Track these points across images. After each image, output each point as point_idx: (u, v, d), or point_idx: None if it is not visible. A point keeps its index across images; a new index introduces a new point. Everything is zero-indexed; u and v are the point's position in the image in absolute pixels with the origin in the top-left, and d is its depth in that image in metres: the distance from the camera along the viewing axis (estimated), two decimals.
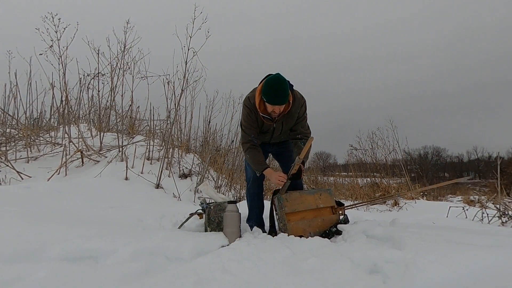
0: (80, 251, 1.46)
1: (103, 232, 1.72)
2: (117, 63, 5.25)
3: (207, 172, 5.26)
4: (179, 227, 2.31)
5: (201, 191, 4.34)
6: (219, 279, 1.31)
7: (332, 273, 1.35)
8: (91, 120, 5.97)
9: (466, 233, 1.87)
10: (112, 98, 5.36)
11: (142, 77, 5.13)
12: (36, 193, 2.80)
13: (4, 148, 4.60)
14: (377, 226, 1.96)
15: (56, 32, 4.74)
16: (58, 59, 4.87)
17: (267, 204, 2.54)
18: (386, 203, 6.23)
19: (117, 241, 1.56)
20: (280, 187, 2.19)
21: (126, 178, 3.98)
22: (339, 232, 2.10)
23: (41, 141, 5.07)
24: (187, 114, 5.92)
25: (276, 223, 2.23)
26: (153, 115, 5.48)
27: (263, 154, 2.31)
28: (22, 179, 4.02)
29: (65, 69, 4.98)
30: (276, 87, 1.97)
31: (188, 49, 4.32)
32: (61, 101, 5.34)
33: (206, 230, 2.15)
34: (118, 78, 5.27)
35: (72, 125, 5.17)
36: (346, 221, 2.25)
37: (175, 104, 4.84)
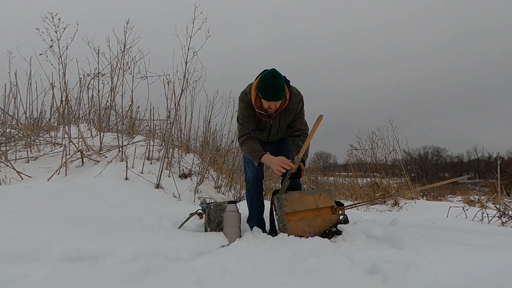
0: (80, 251, 1.45)
1: (103, 232, 1.72)
2: (117, 63, 5.26)
3: (207, 172, 5.26)
4: (179, 227, 2.31)
5: (201, 191, 4.34)
6: (219, 279, 1.31)
7: (332, 273, 1.35)
8: (91, 120, 5.97)
9: (466, 233, 1.87)
10: (112, 98, 5.36)
11: (142, 77, 5.14)
12: (36, 193, 2.80)
13: (4, 148, 4.60)
14: (377, 226, 1.96)
15: (56, 32, 4.74)
16: (58, 59, 4.87)
17: (267, 204, 2.54)
18: (386, 203, 6.23)
19: (117, 241, 1.56)
20: (280, 187, 2.19)
21: (126, 178, 3.98)
22: (339, 232, 2.10)
23: (41, 141, 5.07)
24: (187, 114, 5.93)
25: (276, 223, 2.23)
26: (153, 115, 5.48)
27: (259, 144, 2.24)
28: (22, 179, 4.02)
29: (65, 69, 4.98)
30: (271, 83, 1.92)
31: (188, 49, 4.32)
32: (61, 101, 5.35)
33: (206, 230, 2.15)
34: (118, 78, 5.27)
35: (72, 125, 5.17)
36: (346, 221, 2.25)
37: (175, 104, 4.85)
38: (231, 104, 6.44)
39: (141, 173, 4.25)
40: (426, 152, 47.10)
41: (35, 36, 4.65)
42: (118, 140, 4.71)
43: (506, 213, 3.54)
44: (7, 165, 4.11)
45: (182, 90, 4.71)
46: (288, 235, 1.99)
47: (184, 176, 4.78)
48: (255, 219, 2.47)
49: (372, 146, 8.40)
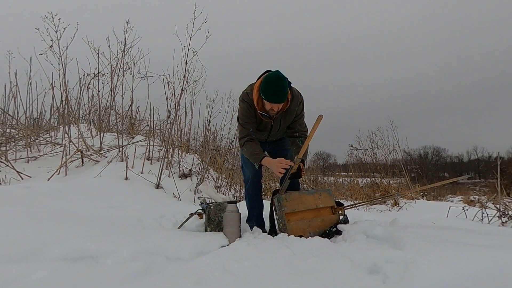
0: (80, 251, 1.45)
1: (103, 232, 1.72)
2: (117, 63, 5.25)
3: (207, 172, 5.26)
4: (179, 227, 2.31)
5: (201, 191, 4.34)
6: (219, 279, 1.31)
7: (332, 273, 1.35)
8: (91, 120, 5.97)
9: (466, 233, 1.87)
10: (112, 98, 5.36)
11: (142, 77, 5.14)
12: (36, 193, 2.80)
13: (4, 148, 4.60)
14: (377, 226, 1.96)
15: (56, 32, 4.74)
16: (58, 59, 4.87)
17: (266, 203, 2.54)
18: (386, 203, 6.23)
19: (117, 241, 1.56)
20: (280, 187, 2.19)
21: (126, 178, 3.98)
22: (339, 232, 2.10)
23: (41, 141, 5.07)
24: (187, 114, 5.93)
25: (276, 223, 2.23)
26: (153, 115, 5.48)
27: (260, 146, 2.25)
28: (22, 179, 4.02)
29: (65, 69, 4.98)
30: (275, 85, 1.92)
31: (188, 49, 4.32)
32: (61, 101, 5.34)
33: (206, 230, 2.15)
34: (118, 78, 5.27)
35: (72, 125, 5.17)
36: (346, 221, 2.25)
37: (175, 104, 4.85)
38: (231, 104, 6.44)
39: (141, 173, 4.25)
40: (426, 152, 47.12)
41: (35, 36, 4.66)
42: (118, 140, 4.71)
43: (506, 213, 3.54)
44: (7, 165, 4.11)
45: (182, 90, 4.71)
46: (288, 235, 1.99)
47: (184, 176, 4.78)
48: (255, 219, 2.47)
49: (372, 146, 8.41)
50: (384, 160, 8.28)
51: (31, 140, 4.96)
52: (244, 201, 2.67)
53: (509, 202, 3.93)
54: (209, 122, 6.20)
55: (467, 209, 4.26)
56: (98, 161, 4.53)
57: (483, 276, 1.20)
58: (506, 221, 3.47)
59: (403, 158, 8.35)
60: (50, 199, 2.76)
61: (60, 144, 4.96)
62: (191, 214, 2.41)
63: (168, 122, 5.02)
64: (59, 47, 4.80)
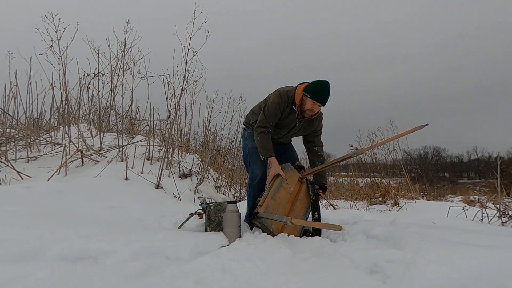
0: (80, 251, 1.46)
1: (103, 232, 1.72)
2: (117, 63, 5.25)
3: (207, 172, 5.26)
4: (179, 227, 2.30)
5: (201, 191, 4.34)
6: (219, 279, 1.31)
7: (332, 273, 1.35)
8: (91, 120, 5.97)
9: (466, 233, 1.87)
10: (112, 98, 5.36)
11: (142, 77, 5.14)
12: (36, 193, 2.80)
13: (4, 148, 4.60)
14: (377, 226, 1.96)
15: (56, 32, 4.74)
16: (58, 59, 4.87)
17: None
18: (386, 203, 6.23)
19: (117, 241, 1.56)
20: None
21: (126, 178, 3.98)
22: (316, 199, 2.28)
23: (41, 141, 5.07)
24: (187, 114, 5.93)
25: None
26: (153, 115, 5.48)
27: (271, 143, 2.41)
28: (22, 179, 4.02)
29: (65, 69, 4.98)
30: (324, 87, 2.19)
31: (188, 49, 4.32)
32: (61, 101, 5.35)
33: (206, 230, 2.15)
34: (118, 78, 5.27)
35: (72, 125, 5.17)
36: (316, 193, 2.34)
37: (175, 104, 4.85)
38: (231, 104, 6.45)
39: (141, 173, 4.25)
40: (426, 152, 47.14)
41: (35, 36, 4.66)
42: (118, 140, 4.71)
43: (506, 213, 3.54)
44: (7, 165, 4.11)
45: (182, 90, 4.71)
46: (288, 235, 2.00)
47: (184, 176, 4.78)
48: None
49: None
50: (384, 160, 8.28)
51: (31, 140, 4.96)
52: (244, 201, 2.67)
53: (509, 202, 3.93)
54: (209, 122, 6.20)
55: (467, 209, 4.26)
56: (98, 161, 4.53)
57: (483, 276, 1.20)
58: (506, 221, 3.47)
59: (403, 158, 8.35)
60: (50, 199, 2.76)
61: (60, 144, 4.96)
62: (191, 214, 2.41)
63: (168, 122, 5.03)
64: (59, 47, 4.80)
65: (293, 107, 2.28)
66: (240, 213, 2.03)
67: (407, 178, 7.54)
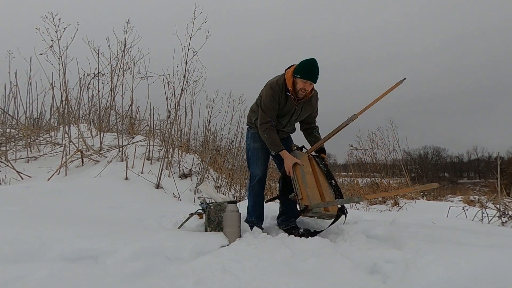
0: (80, 251, 1.46)
1: (103, 232, 1.72)
2: (117, 63, 5.26)
3: (207, 172, 5.26)
4: (179, 227, 2.30)
5: (201, 191, 4.34)
6: (219, 279, 1.31)
7: (332, 273, 1.35)
8: (91, 120, 5.98)
9: (466, 233, 1.87)
10: (112, 98, 5.36)
11: (142, 77, 5.14)
12: (36, 193, 2.80)
13: (4, 148, 4.60)
14: (377, 226, 1.96)
15: (56, 32, 4.75)
16: (58, 59, 4.88)
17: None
18: (386, 203, 6.23)
19: (117, 241, 1.56)
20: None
21: (126, 178, 3.98)
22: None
23: (41, 141, 5.07)
24: (187, 114, 5.93)
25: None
26: (153, 115, 5.49)
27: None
28: (22, 179, 4.02)
29: (65, 69, 4.98)
30: (312, 64, 2.21)
31: (188, 49, 4.32)
32: (61, 101, 5.35)
33: (206, 230, 2.15)
34: (118, 78, 5.28)
35: (72, 125, 5.17)
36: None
37: (175, 104, 4.85)
38: (231, 104, 6.45)
39: (141, 173, 4.25)
40: (426, 152, 47.13)
41: (35, 36, 4.66)
42: (118, 140, 4.71)
43: (506, 213, 3.54)
44: (7, 165, 4.11)
45: (182, 90, 4.72)
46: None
47: (184, 176, 4.78)
48: (256, 215, 2.50)
49: (372, 146, 8.39)
50: (384, 160, 8.27)
51: (31, 140, 4.96)
52: (244, 201, 2.68)
53: (509, 202, 3.93)
54: (209, 122, 6.21)
55: (467, 209, 4.26)
56: (98, 161, 4.53)
57: (483, 276, 1.20)
58: (506, 221, 3.47)
59: (403, 158, 8.35)
60: (50, 199, 2.76)
61: (60, 144, 4.96)
62: (191, 214, 2.41)
63: (168, 122, 5.03)
64: (59, 47, 4.81)
65: (287, 93, 2.29)
66: (240, 213, 2.03)
67: (407, 178, 7.54)
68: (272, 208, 2.73)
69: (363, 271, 1.38)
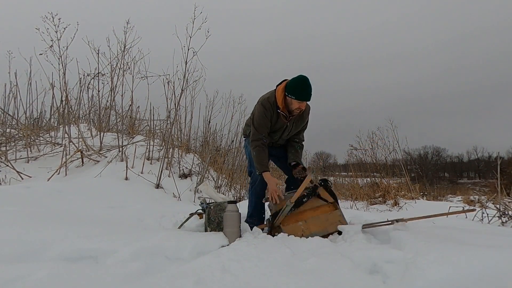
0: (80, 251, 1.45)
1: (103, 232, 1.72)
2: (117, 63, 5.26)
3: (207, 172, 5.26)
4: (179, 227, 2.30)
5: (201, 191, 4.34)
6: (219, 279, 1.31)
7: (332, 273, 1.35)
8: (91, 120, 5.98)
9: (466, 233, 1.87)
10: (112, 98, 5.36)
11: (142, 77, 5.14)
12: (36, 193, 2.80)
13: (4, 148, 4.60)
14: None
15: (56, 32, 4.75)
16: (58, 59, 4.87)
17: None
18: (386, 203, 6.23)
19: (117, 241, 1.56)
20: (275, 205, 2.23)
21: (126, 178, 3.98)
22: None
23: (41, 141, 5.07)
24: (187, 114, 5.94)
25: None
26: (153, 115, 5.49)
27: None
28: (22, 179, 4.02)
29: (65, 69, 4.98)
30: (305, 84, 2.19)
31: (188, 49, 4.32)
32: (61, 101, 5.35)
33: (206, 230, 2.15)
34: (118, 78, 5.28)
35: (72, 125, 5.17)
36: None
37: (175, 104, 4.85)
38: (231, 104, 6.46)
39: (141, 173, 4.25)
40: (426, 152, 47.17)
41: (35, 36, 4.66)
42: (118, 140, 4.71)
43: (506, 213, 3.53)
44: (7, 165, 4.11)
45: (182, 90, 4.72)
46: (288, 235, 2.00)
47: (184, 176, 4.78)
48: (257, 216, 2.51)
49: (372, 146, 8.37)
50: (384, 160, 8.26)
51: (31, 140, 4.96)
52: (244, 201, 2.68)
53: (509, 202, 3.93)
54: (209, 122, 6.21)
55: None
56: (98, 161, 4.53)
57: (483, 276, 1.20)
58: (506, 221, 3.47)
59: (403, 158, 8.34)
60: (50, 199, 2.76)
61: (60, 144, 4.96)
62: (191, 214, 2.41)
63: (168, 122, 5.03)
64: (59, 47, 4.81)
65: (278, 111, 2.29)
66: (240, 213, 2.03)
67: (407, 178, 7.53)
68: None
69: (363, 271, 1.38)
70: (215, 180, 5.43)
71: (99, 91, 5.42)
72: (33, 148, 4.95)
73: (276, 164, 2.74)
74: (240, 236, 2.01)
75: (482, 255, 1.30)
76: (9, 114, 5.45)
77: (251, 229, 2.27)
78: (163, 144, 4.91)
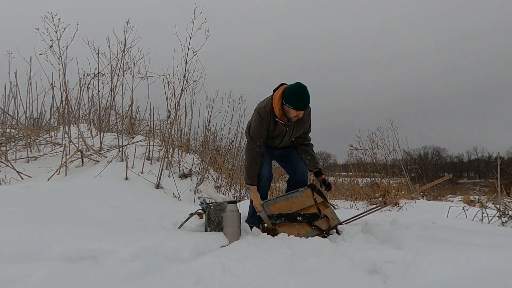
0: (80, 251, 1.45)
1: (103, 232, 1.72)
2: (117, 63, 5.26)
3: (207, 172, 5.26)
4: (179, 227, 2.30)
5: (201, 191, 4.34)
6: (219, 279, 1.31)
7: (332, 273, 1.35)
8: (91, 120, 5.98)
9: (466, 233, 1.87)
10: (112, 98, 5.36)
11: (142, 77, 5.14)
12: (36, 193, 2.80)
13: (4, 148, 4.60)
14: (377, 226, 1.96)
15: (56, 32, 4.75)
16: (58, 59, 4.87)
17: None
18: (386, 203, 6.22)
19: (117, 241, 1.56)
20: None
21: (126, 178, 3.98)
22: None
23: (41, 141, 5.07)
24: (187, 114, 5.94)
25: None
26: (153, 115, 5.49)
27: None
28: (22, 179, 4.02)
29: (65, 69, 4.99)
30: (302, 93, 2.13)
31: (188, 49, 4.32)
32: (61, 101, 5.35)
33: (206, 230, 2.15)
34: (118, 78, 5.28)
35: (72, 125, 5.17)
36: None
37: (175, 104, 4.85)
38: (231, 104, 6.45)
39: (141, 173, 4.25)
40: (426, 152, 47.19)
41: (35, 36, 4.66)
42: (118, 140, 4.71)
43: (506, 213, 3.54)
44: (7, 165, 4.11)
45: (182, 90, 4.72)
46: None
47: (184, 176, 4.78)
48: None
49: (372, 146, 8.37)
50: (384, 160, 8.27)
51: (31, 140, 4.96)
52: (244, 201, 2.68)
53: (509, 202, 3.93)
54: (209, 122, 6.21)
55: (467, 209, 4.26)
56: (98, 161, 4.53)
57: (483, 276, 1.20)
58: (506, 221, 3.47)
59: (403, 158, 8.34)
60: (50, 199, 2.76)
61: (60, 144, 4.96)
62: (191, 214, 2.41)
63: (168, 122, 5.03)
64: (59, 47, 4.81)
65: (276, 119, 2.24)
66: (240, 213, 2.03)
67: (407, 178, 7.54)
68: None
69: (363, 271, 1.38)
70: (215, 180, 5.43)
71: (99, 91, 5.43)
72: (33, 148, 4.95)
73: (279, 164, 2.72)
74: (240, 236, 2.01)
75: (482, 255, 1.30)
76: (9, 114, 5.45)
77: (251, 229, 2.27)
78: (163, 144, 4.91)
